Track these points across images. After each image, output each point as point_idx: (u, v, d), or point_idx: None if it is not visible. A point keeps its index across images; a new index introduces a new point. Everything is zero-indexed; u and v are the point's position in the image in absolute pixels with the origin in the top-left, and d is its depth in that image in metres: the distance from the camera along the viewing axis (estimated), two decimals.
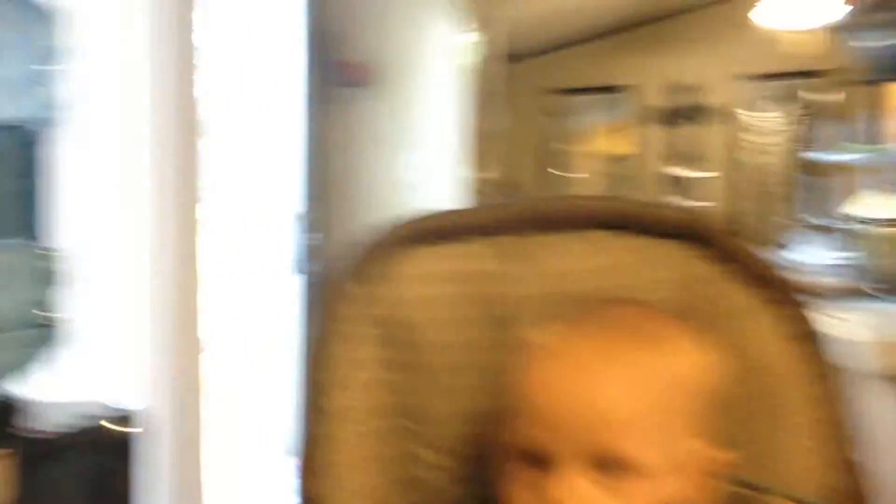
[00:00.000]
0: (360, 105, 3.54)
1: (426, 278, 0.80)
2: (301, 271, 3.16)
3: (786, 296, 0.81)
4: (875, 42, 1.57)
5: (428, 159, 3.56)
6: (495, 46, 4.97)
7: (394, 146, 3.56)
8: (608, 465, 0.64)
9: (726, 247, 0.81)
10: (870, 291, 1.59)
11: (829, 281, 1.77)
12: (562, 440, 0.64)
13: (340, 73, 3.43)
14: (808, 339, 0.80)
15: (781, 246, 2.19)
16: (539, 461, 0.66)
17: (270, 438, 2.47)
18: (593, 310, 0.76)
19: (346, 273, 0.78)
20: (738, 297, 0.80)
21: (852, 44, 1.57)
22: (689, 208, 0.84)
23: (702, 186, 6.52)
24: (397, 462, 0.78)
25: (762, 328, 0.80)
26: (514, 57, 6.47)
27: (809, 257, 1.98)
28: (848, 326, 1.41)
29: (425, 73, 3.58)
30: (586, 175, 6.96)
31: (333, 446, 0.74)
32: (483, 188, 4.53)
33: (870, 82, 1.61)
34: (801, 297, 0.81)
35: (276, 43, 3.07)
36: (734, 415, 0.77)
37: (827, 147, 2.10)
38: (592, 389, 0.65)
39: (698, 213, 0.83)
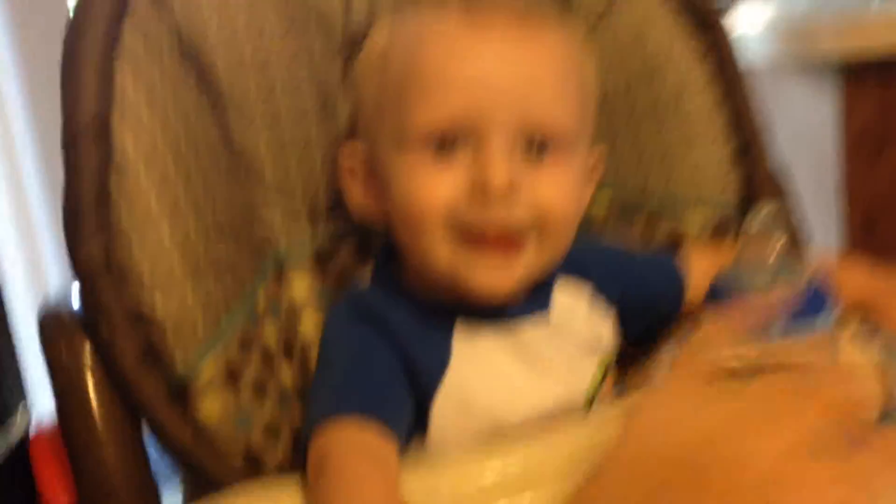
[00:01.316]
0: None
1: None
2: None
3: None
4: None
5: None
6: None
7: None
8: (532, 138, 0.60)
9: None
10: None
11: None
12: (491, 112, 0.58)
13: None
14: (707, 29, 0.76)
15: None
16: (449, 145, 0.59)
17: None
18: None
19: None
20: None
21: None
22: None
23: None
24: (217, 207, 0.63)
25: (656, 22, 0.77)
26: None
27: None
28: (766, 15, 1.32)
29: None
30: None
31: (131, 197, 0.58)
32: None
33: None
34: None
35: None
36: (627, 114, 0.76)
37: None
38: (520, 57, 0.60)
39: None
